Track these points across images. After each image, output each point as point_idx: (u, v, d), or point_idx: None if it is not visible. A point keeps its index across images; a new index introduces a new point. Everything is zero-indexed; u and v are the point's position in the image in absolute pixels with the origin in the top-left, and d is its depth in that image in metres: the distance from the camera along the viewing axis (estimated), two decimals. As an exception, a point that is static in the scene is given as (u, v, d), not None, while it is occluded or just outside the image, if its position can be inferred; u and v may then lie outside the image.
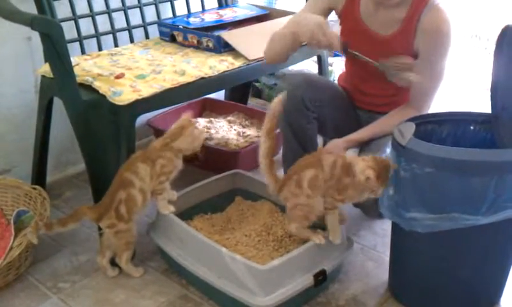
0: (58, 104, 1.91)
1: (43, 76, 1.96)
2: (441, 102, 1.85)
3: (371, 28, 1.82)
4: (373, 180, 1.46)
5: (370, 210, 1.70)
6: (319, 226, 1.69)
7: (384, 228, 1.97)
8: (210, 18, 2.37)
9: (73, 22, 2.14)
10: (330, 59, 2.46)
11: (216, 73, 1.97)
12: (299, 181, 1.59)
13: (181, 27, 2.24)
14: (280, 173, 2.14)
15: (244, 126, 2.58)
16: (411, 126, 1.51)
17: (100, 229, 1.72)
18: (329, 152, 1.76)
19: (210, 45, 2.13)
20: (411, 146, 1.45)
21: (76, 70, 1.82)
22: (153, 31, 2.36)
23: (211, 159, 2.18)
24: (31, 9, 1.96)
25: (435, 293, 1.59)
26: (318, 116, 1.89)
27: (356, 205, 1.78)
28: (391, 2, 1.73)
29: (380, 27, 1.80)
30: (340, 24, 1.94)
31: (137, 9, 2.34)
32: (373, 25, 1.82)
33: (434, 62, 1.74)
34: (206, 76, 1.94)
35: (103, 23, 2.24)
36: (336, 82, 2.14)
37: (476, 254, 1.53)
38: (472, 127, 1.67)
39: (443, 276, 1.56)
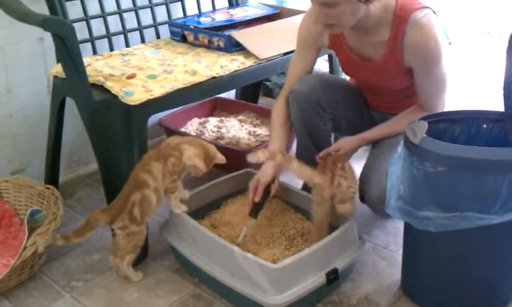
0: (70, 104, 1.92)
1: (55, 76, 1.98)
2: (454, 100, 1.83)
3: (361, 54, 1.79)
4: None
5: (377, 206, 1.70)
6: (332, 226, 1.70)
7: (396, 226, 1.97)
8: (220, 17, 2.37)
9: (84, 22, 2.15)
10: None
11: (227, 73, 1.97)
12: (343, 168, 1.72)
13: (192, 26, 2.25)
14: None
15: (254, 126, 2.58)
16: (424, 125, 1.50)
17: (113, 229, 1.73)
18: (339, 148, 1.78)
19: (221, 44, 2.13)
20: (423, 145, 1.44)
21: (88, 70, 1.83)
22: (164, 31, 2.37)
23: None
24: (43, 10, 1.97)
25: (448, 292, 1.58)
26: (333, 117, 1.89)
27: (362, 200, 1.79)
28: (365, 24, 1.67)
29: (369, 52, 1.76)
30: (337, 56, 1.93)
31: (148, 10, 2.35)
32: (362, 52, 1.78)
33: (431, 73, 1.71)
34: (217, 75, 1.94)
35: (114, 23, 2.25)
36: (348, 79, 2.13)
37: (490, 252, 1.52)
38: (484, 125, 1.65)
39: (456, 275, 1.56)
